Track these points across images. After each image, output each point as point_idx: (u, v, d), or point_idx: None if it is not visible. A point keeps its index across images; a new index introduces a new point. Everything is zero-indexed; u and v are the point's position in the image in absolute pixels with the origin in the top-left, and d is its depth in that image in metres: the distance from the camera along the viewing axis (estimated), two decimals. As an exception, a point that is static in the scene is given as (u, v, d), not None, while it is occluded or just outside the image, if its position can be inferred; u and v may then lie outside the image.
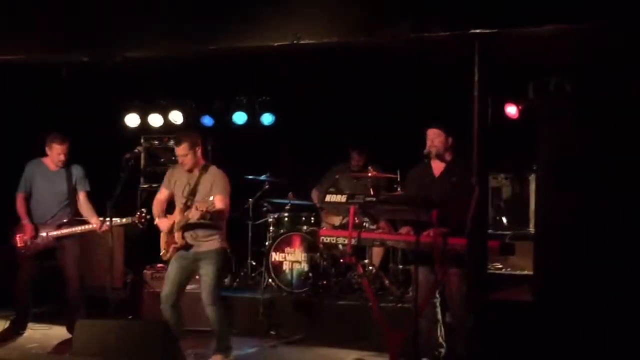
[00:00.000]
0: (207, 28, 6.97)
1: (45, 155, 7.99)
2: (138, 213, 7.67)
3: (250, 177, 9.68)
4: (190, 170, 6.96)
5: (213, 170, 7.03)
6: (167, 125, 10.40)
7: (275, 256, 9.05)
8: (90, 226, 7.80)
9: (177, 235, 6.88)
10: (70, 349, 6.24)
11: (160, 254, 7.05)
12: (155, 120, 10.48)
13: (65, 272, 7.93)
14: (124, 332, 5.67)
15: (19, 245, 7.91)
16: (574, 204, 6.17)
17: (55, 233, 7.83)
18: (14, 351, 7.55)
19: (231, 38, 6.86)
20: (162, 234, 7.01)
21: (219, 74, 9.41)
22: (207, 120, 10.71)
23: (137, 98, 10.55)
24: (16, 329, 8.05)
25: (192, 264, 6.94)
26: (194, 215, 6.66)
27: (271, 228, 9.43)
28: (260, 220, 9.70)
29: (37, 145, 8.49)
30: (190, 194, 6.89)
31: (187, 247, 6.89)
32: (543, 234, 6.48)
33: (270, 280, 8.98)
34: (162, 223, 6.98)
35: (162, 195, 7.10)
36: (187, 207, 6.85)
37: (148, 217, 7.57)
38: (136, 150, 6.99)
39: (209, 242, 6.90)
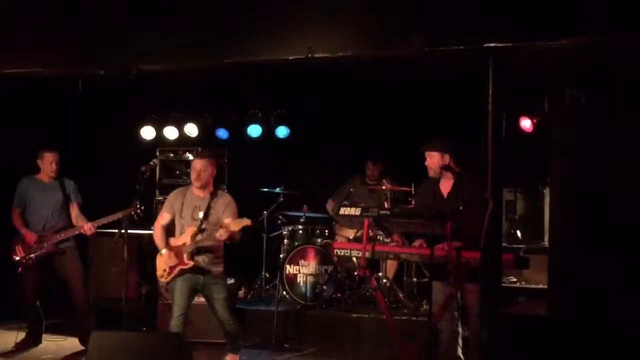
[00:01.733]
0: (222, 42, 7.00)
1: (37, 172, 8.12)
2: (136, 204, 7.55)
3: (264, 189, 9.70)
4: (199, 192, 6.98)
5: (224, 194, 7.14)
6: (183, 138, 10.45)
7: (290, 269, 9.05)
8: (82, 228, 7.86)
9: (186, 257, 6.87)
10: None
11: (158, 275, 7.01)
12: (171, 133, 10.53)
13: (70, 285, 7.99)
14: (138, 344, 5.69)
15: (19, 256, 7.95)
16: (589, 218, 6.14)
17: (54, 238, 7.88)
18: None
19: (246, 52, 6.88)
20: (160, 256, 6.98)
21: (234, 87, 9.45)
22: (222, 133, 10.76)
23: (152, 111, 10.62)
24: (31, 341, 8.09)
25: (197, 286, 6.98)
26: (222, 235, 6.68)
27: (285, 241, 9.45)
28: (275, 233, 9.73)
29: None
30: (204, 217, 6.90)
31: (196, 269, 6.90)
32: (558, 247, 6.45)
33: (284, 292, 8.98)
34: (163, 258, 6.95)
35: (164, 219, 7.06)
36: (200, 230, 6.87)
37: (142, 208, 7.57)
38: (152, 163, 7.02)
39: (217, 267, 7.01)
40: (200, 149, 10.37)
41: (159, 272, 7.01)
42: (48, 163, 8.03)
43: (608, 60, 6.81)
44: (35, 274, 8.01)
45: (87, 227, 7.79)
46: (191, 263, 6.86)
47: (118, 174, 8.13)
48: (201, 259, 6.90)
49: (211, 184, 7.05)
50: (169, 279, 6.93)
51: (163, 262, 6.96)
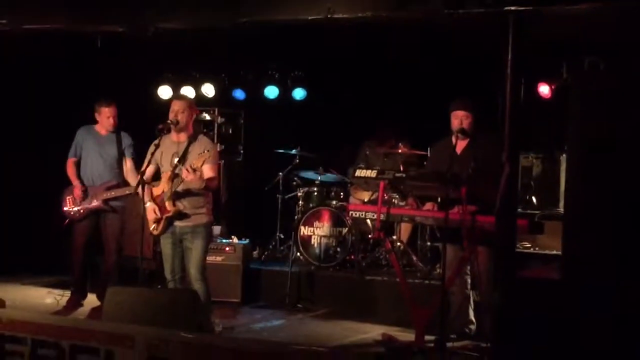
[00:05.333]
0: (240, 0, 6.98)
1: (94, 122, 8.08)
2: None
3: (280, 151, 9.72)
4: (178, 137, 6.76)
5: (203, 138, 6.85)
6: (199, 98, 10.43)
7: (304, 230, 9.09)
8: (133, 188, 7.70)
9: (168, 204, 6.66)
10: (100, 315, 6.34)
11: (151, 229, 6.80)
12: (188, 92, 10.50)
13: (106, 244, 8.02)
14: (153, 300, 5.74)
15: (68, 207, 8.00)
16: (605, 185, 6.13)
17: (104, 195, 7.89)
18: (47, 316, 7.66)
19: (264, 11, 6.86)
20: (148, 208, 6.75)
21: (252, 48, 9.43)
22: (239, 94, 10.77)
23: (169, 70, 10.62)
24: (77, 299, 8.11)
25: (179, 236, 6.75)
26: (187, 174, 6.36)
27: (300, 202, 9.47)
28: (290, 195, 9.75)
29: (69, 115, 8.61)
30: (179, 162, 6.63)
31: (180, 215, 6.66)
32: (573, 214, 6.45)
33: (298, 254, 9.03)
34: (149, 211, 6.73)
35: (147, 173, 6.78)
36: (175, 175, 6.61)
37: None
38: (168, 122, 7.00)
39: (198, 216, 6.71)
40: (217, 110, 10.42)
41: (150, 225, 6.80)
42: (105, 117, 7.97)
43: (628, 26, 6.74)
44: (85, 226, 8.02)
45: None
46: (173, 209, 6.64)
47: (135, 132, 8.14)
48: (182, 205, 6.67)
49: (190, 127, 6.80)
50: (159, 229, 6.74)
51: (151, 215, 6.78)
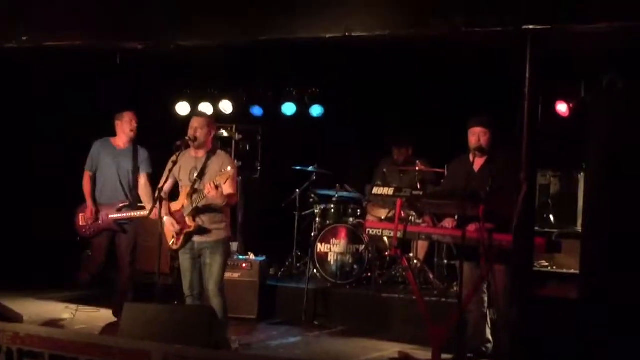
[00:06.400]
0: (259, 19, 7.01)
1: (112, 135, 8.10)
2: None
3: (297, 168, 9.73)
4: (196, 153, 6.81)
5: (221, 154, 6.92)
6: (217, 114, 10.47)
7: (321, 247, 9.08)
8: (145, 212, 7.64)
9: (188, 220, 6.72)
10: (117, 331, 6.35)
11: (170, 243, 6.86)
12: (206, 109, 10.56)
13: (119, 259, 8.05)
14: (170, 316, 5.74)
15: (80, 224, 8.05)
16: (623, 203, 6.11)
17: (114, 216, 7.93)
18: (64, 331, 7.69)
19: (283, 29, 6.89)
20: (166, 222, 6.81)
21: (270, 65, 9.47)
22: (257, 111, 10.81)
23: (188, 87, 10.67)
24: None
25: (198, 252, 6.80)
26: (210, 191, 6.42)
27: (317, 219, 9.47)
28: (307, 211, 9.75)
29: (87, 131, 8.65)
30: (198, 177, 6.70)
31: (200, 230, 6.72)
32: (591, 232, 6.43)
33: (315, 270, 9.02)
34: (167, 225, 6.81)
35: (165, 188, 6.85)
36: (194, 190, 6.69)
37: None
38: (186, 138, 7.04)
39: (217, 232, 6.76)
40: (234, 126, 10.46)
41: (169, 240, 6.86)
42: (128, 122, 7.97)
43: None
44: (101, 242, 8.06)
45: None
46: (194, 224, 6.70)
47: (153, 148, 8.17)
48: (201, 221, 6.73)
49: (209, 144, 6.85)
50: (179, 245, 6.80)
51: (169, 229, 6.84)
